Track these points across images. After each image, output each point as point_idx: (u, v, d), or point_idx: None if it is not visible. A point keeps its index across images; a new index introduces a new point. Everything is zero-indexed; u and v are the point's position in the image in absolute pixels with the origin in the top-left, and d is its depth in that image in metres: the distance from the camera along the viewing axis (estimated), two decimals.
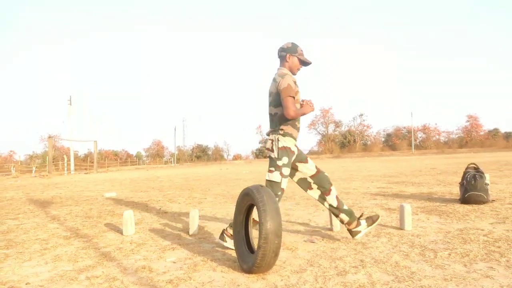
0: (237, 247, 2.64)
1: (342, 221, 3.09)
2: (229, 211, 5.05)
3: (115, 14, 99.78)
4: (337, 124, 70.50)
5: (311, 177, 3.06)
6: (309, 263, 2.62)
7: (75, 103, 31.16)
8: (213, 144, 73.95)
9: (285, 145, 2.88)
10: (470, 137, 62.93)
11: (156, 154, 74.60)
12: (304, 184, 3.09)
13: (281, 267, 2.53)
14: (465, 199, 4.81)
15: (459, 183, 5.09)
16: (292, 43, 3.00)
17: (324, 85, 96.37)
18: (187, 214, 4.76)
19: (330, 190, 3.05)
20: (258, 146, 69.51)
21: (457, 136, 66.02)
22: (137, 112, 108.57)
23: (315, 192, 3.08)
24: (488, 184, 4.88)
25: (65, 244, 3.45)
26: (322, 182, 3.05)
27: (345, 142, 66.67)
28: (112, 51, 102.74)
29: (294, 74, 3.02)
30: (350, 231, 3.11)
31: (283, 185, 2.88)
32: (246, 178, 11.85)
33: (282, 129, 2.90)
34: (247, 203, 2.61)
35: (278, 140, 2.88)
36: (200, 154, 70.00)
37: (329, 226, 3.72)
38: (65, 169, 27.97)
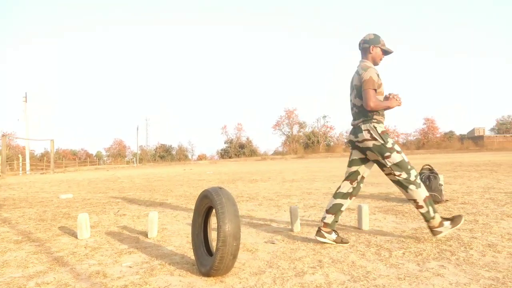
0: (196, 250, 2.61)
1: (323, 219, 3.15)
2: (190, 213, 4.98)
3: (75, 12, 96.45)
4: (302, 125, 71.45)
5: (363, 178, 3.19)
6: (269, 264, 2.62)
7: (31, 100, 29.89)
8: (177, 144, 72.81)
9: (383, 130, 2.99)
10: (427, 139, 65.49)
11: (118, 154, 72.69)
12: (354, 175, 3.17)
13: (240, 269, 2.52)
14: None
15: None
16: (374, 34, 3.11)
17: (289, 86, 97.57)
18: (146, 216, 4.66)
19: (353, 198, 3.23)
20: (224, 146, 69.33)
21: (414, 138, 68.59)
22: (98, 110, 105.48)
23: (349, 187, 3.18)
24: (442, 185, 5.08)
25: (15, 249, 3.28)
26: (360, 187, 3.22)
27: (309, 143, 67.70)
28: (71, 48, 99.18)
29: (377, 64, 3.11)
30: (319, 230, 3.14)
31: (406, 159, 2.98)
32: (209, 179, 11.76)
33: (375, 119, 3.00)
34: (205, 205, 2.58)
35: (375, 128, 2.97)
36: (164, 154, 68.77)
37: (290, 227, 3.75)
38: (20, 169, 26.71)
